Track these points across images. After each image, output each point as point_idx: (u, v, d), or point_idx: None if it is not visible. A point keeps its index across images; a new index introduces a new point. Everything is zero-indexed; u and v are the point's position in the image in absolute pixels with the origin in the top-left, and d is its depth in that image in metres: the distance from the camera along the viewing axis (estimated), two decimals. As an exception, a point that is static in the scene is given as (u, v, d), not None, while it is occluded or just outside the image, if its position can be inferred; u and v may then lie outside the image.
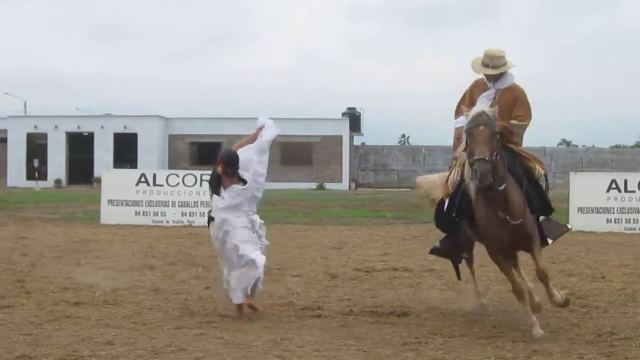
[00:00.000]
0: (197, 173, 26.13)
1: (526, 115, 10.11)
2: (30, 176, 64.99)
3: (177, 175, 25.74)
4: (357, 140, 75.90)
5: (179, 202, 25.19)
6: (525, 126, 10.17)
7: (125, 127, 67.76)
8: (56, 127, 67.85)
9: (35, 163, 65.66)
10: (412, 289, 12.73)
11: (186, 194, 25.29)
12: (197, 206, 25.11)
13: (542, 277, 9.53)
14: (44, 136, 68.27)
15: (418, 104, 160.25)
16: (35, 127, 68.55)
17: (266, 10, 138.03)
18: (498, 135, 9.20)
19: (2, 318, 10.20)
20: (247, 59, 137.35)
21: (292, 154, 67.60)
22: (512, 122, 10.00)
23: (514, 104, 10.10)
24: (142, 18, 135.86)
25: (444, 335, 9.52)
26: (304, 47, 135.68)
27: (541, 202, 9.92)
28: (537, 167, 10.02)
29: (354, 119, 72.09)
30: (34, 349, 8.55)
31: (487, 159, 8.90)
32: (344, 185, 68.18)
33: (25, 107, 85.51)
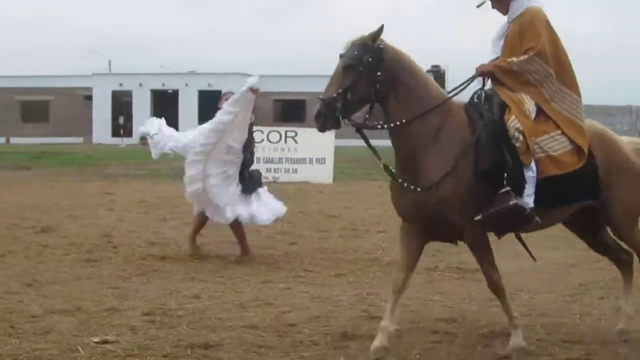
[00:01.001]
0: (282, 130, 26.18)
1: (536, 44, 7.44)
2: (115, 133, 65.82)
3: (262, 132, 25.74)
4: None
5: (263, 158, 25.22)
6: (531, 60, 7.42)
7: (209, 84, 68.07)
8: (141, 84, 68.53)
9: (121, 120, 66.42)
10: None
11: (271, 150, 25.33)
12: (282, 162, 25.18)
13: (493, 290, 7.34)
14: (128, 94, 69.00)
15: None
16: (120, 84, 69.30)
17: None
18: (362, 68, 7.06)
19: (91, 272, 10.34)
20: (330, 17, 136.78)
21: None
22: (511, 59, 7.42)
23: (521, 34, 7.53)
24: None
25: (530, 291, 9.42)
26: (388, 3, 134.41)
27: (511, 173, 7.04)
28: (514, 120, 7.21)
29: (437, 77, 71.62)
30: (121, 302, 8.65)
31: (322, 98, 7.11)
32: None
33: (109, 65, 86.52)
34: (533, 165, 7.12)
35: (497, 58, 7.54)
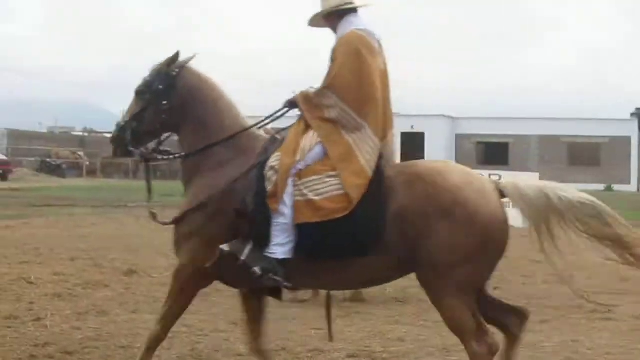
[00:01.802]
0: (485, 173, 26.03)
1: (329, 76, 6.56)
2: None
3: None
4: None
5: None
6: (323, 93, 6.53)
7: (412, 126, 68.37)
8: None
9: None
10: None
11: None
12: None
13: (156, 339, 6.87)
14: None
15: None
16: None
17: (548, 8, 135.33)
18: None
19: (296, 312, 10.52)
20: (529, 57, 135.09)
21: (579, 155, 66.21)
22: (313, 88, 6.63)
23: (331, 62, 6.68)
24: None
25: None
26: (586, 43, 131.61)
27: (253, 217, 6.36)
28: (275, 158, 6.42)
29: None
30: (326, 343, 8.76)
31: (117, 123, 6.88)
32: (633, 187, 65.98)
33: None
34: (284, 210, 6.23)
35: None
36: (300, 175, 6.31)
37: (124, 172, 70.89)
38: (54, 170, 68.42)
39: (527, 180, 6.79)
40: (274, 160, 6.36)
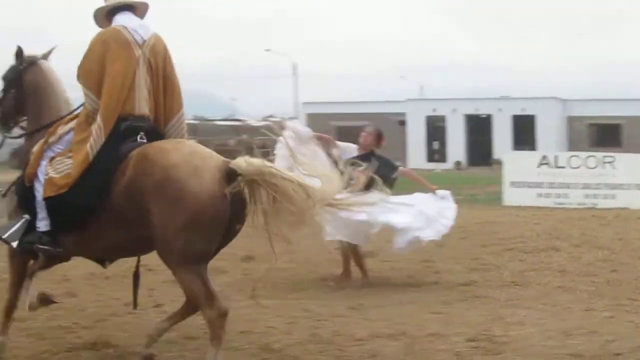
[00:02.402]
0: (599, 155, 25.64)
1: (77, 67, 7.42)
2: (430, 158, 66.51)
3: (579, 157, 25.41)
4: None
5: (581, 184, 24.82)
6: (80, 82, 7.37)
7: (522, 109, 67.47)
8: (454, 109, 68.91)
9: (435, 145, 67.04)
10: None
11: (588, 175, 24.86)
12: (600, 188, 24.63)
13: None
14: (442, 119, 69.58)
15: None
16: (434, 110, 70.00)
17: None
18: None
19: (413, 297, 10.51)
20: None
21: None
22: None
23: None
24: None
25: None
26: None
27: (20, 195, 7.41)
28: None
29: None
30: (445, 327, 8.73)
31: None
32: None
33: (422, 90, 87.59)
34: (38, 187, 7.12)
35: None
36: (54, 157, 7.20)
37: (239, 158, 71.63)
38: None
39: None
40: (35, 146, 7.40)
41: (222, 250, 13.73)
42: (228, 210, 6.67)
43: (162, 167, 6.61)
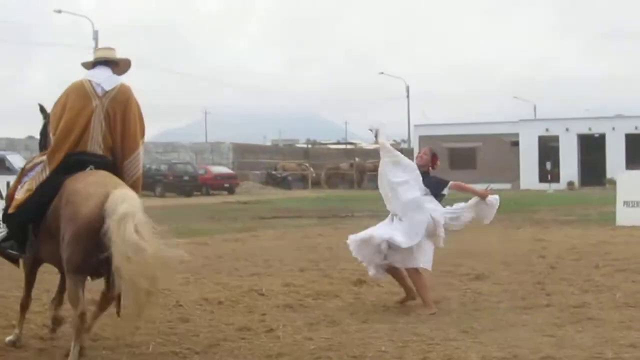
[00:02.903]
0: None
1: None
2: (542, 178, 65.73)
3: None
4: None
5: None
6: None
7: (636, 127, 66.37)
8: (567, 129, 68.12)
9: (548, 165, 66.25)
10: None
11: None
12: None
13: None
14: (555, 139, 68.77)
15: None
16: (547, 130, 69.29)
17: None
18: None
19: (525, 319, 10.43)
20: None
21: None
22: None
23: None
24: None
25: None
26: None
27: None
28: None
29: None
30: (558, 350, 8.66)
31: None
32: None
33: (534, 110, 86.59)
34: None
35: None
36: (25, 182, 8.75)
37: (349, 182, 71.88)
38: (279, 182, 70.13)
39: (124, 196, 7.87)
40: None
41: (334, 275, 13.98)
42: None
43: (68, 192, 8.03)
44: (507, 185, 66.78)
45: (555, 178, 65.56)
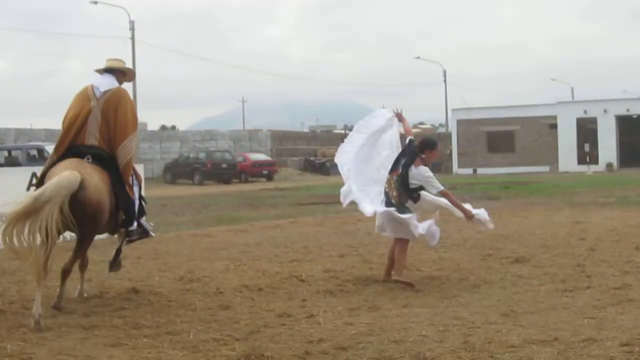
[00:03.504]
0: None
1: None
2: (581, 160, 65.37)
3: None
4: None
5: None
6: None
7: (627, 110, 66.03)
8: (605, 110, 67.63)
9: (586, 147, 65.84)
10: None
11: None
12: None
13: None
14: (593, 120, 68.31)
15: None
16: (585, 111, 68.83)
17: None
18: None
19: (566, 302, 10.40)
20: None
21: None
22: None
23: None
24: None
25: None
26: None
27: None
28: None
29: None
30: (599, 332, 8.63)
31: None
32: None
33: (572, 92, 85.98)
34: None
35: None
36: None
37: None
38: (318, 168, 70.17)
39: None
40: None
41: (373, 260, 13.97)
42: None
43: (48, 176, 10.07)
44: (546, 168, 66.56)
45: (594, 160, 65.16)
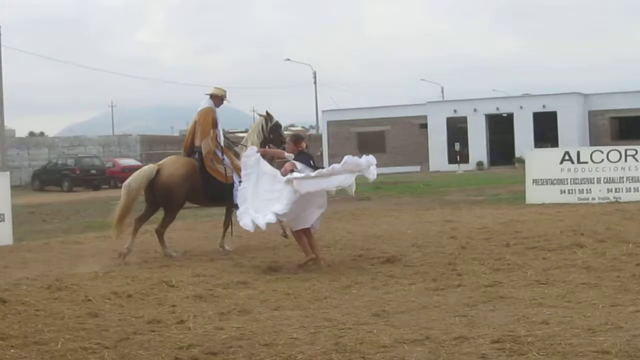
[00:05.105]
0: (622, 148, 25.43)
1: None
2: (452, 160, 66.42)
3: (601, 152, 25.19)
4: None
5: (604, 178, 24.63)
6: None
7: (544, 106, 67.36)
8: (475, 110, 68.86)
9: (457, 146, 66.94)
10: None
11: (611, 170, 24.66)
12: (623, 182, 24.46)
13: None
14: (463, 120, 69.49)
15: None
16: (455, 111, 69.97)
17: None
18: None
19: (437, 300, 10.43)
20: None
21: None
22: None
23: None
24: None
25: None
26: None
27: None
28: None
29: None
30: (470, 330, 8.66)
31: None
32: None
33: (442, 92, 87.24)
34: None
35: None
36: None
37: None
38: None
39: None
40: None
41: (245, 263, 13.88)
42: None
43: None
44: (417, 168, 67.42)
45: (465, 159, 66.30)
